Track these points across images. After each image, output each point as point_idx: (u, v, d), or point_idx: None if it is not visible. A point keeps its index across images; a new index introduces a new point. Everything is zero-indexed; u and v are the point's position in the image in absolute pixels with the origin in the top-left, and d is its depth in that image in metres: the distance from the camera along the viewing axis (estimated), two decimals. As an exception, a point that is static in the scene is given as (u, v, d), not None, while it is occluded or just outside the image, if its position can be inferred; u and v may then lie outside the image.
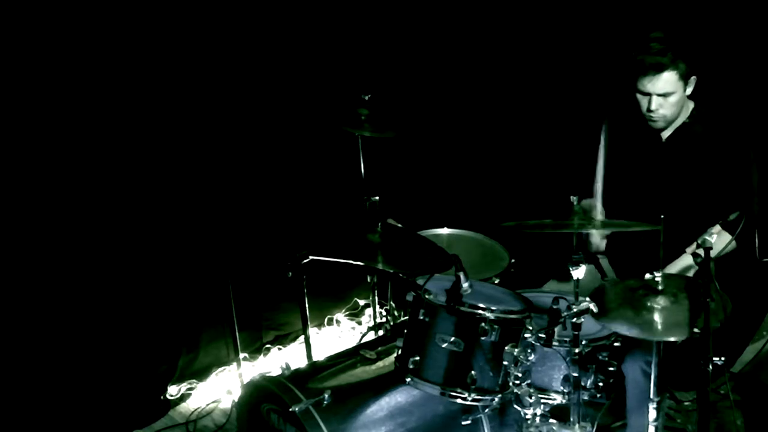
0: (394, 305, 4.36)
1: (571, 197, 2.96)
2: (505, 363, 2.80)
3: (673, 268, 3.23)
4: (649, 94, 3.22)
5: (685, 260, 3.23)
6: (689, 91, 3.27)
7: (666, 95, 3.21)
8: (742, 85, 3.86)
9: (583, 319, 2.75)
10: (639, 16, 4.04)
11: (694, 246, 3.11)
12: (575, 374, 2.80)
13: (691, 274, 3.16)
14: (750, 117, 3.57)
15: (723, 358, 2.57)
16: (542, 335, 2.74)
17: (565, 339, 2.84)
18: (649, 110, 3.24)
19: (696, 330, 2.56)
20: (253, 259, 4.21)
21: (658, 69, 3.16)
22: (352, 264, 3.14)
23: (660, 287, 2.71)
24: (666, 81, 3.17)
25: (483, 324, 2.76)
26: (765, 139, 3.40)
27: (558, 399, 2.93)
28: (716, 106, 3.39)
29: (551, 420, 2.91)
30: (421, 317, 2.85)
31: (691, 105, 3.36)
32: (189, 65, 3.86)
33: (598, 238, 3.61)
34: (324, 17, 4.26)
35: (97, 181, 3.71)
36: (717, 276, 2.68)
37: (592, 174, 3.59)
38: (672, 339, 2.64)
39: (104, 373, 3.81)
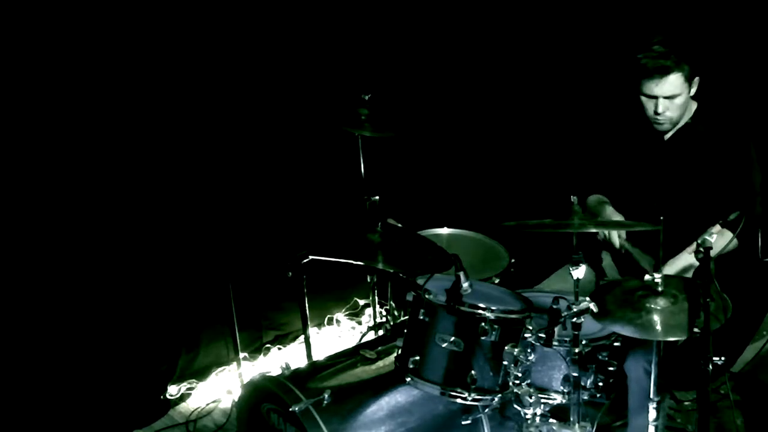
0: (394, 305, 4.35)
1: (572, 197, 2.96)
2: (505, 363, 2.80)
3: (672, 267, 3.23)
4: (655, 98, 3.21)
5: (684, 259, 3.23)
6: (693, 91, 3.27)
7: (672, 97, 3.20)
8: (745, 85, 3.86)
9: (583, 319, 2.75)
10: (641, 16, 4.04)
11: (694, 246, 3.12)
12: (575, 374, 2.80)
13: (690, 273, 3.16)
14: (753, 117, 3.57)
15: (723, 358, 2.57)
16: (542, 335, 2.74)
17: (565, 339, 2.84)
18: (656, 113, 3.23)
19: (696, 330, 2.57)
20: (253, 259, 4.21)
21: (664, 72, 3.15)
22: (352, 264, 3.14)
23: (660, 288, 2.71)
24: (672, 84, 3.17)
25: (483, 324, 2.76)
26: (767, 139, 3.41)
27: (558, 399, 2.93)
28: (719, 106, 3.38)
29: (551, 420, 2.91)
30: (421, 317, 2.85)
31: (694, 105, 3.35)
32: (189, 65, 3.86)
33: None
34: (324, 17, 4.26)
35: (98, 182, 3.71)
36: (717, 275, 2.68)
37: (592, 174, 3.59)
38: (672, 339, 2.64)
39: (104, 373, 3.81)
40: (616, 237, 3.40)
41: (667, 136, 3.39)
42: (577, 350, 2.78)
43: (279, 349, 4.46)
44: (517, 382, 2.83)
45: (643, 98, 3.25)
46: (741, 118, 3.38)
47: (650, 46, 3.18)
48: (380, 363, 3.12)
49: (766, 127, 3.56)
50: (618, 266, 3.58)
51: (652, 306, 2.69)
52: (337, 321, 4.73)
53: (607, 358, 2.97)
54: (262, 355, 4.41)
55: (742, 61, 3.87)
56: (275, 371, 3.04)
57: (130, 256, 3.86)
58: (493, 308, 2.78)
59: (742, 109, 3.61)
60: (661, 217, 2.77)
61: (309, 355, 3.52)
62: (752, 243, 3.18)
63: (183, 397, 4.09)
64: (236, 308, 4.03)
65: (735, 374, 3.80)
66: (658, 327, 2.64)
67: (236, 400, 3.47)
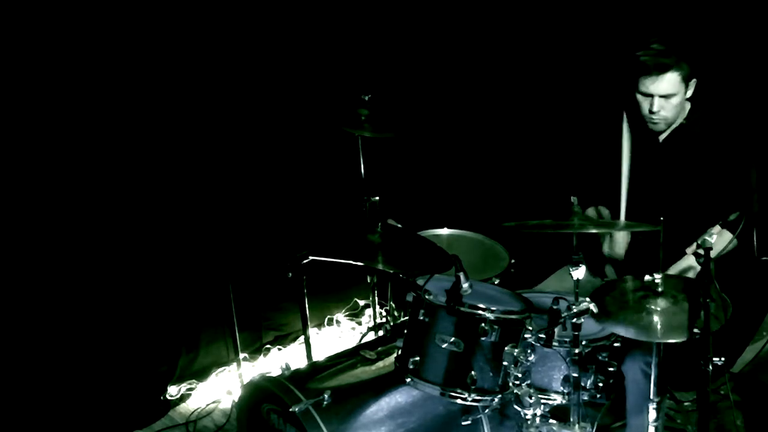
0: (394, 305, 4.36)
1: (571, 197, 2.96)
2: (505, 363, 2.80)
3: (675, 269, 3.23)
4: (650, 96, 3.21)
5: (687, 261, 3.23)
6: (689, 93, 3.27)
7: (668, 97, 3.20)
8: (739, 85, 3.86)
9: (583, 320, 2.75)
10: (641, 16, 4.04)
11: (694, 246, 3.12)
12: (575, 374, 2.80)
13: (692, 274, 3.16)
14: (747, 117, 3.57)
15: (723, 358, 2.57)
16: (542, 335, 2.73)
17: (565, 339, 2.84)
18: (650, 112, 3.23)
19: (696, 330, 2.57)
20: (253, 259, 4.21)
21: (662, 69, 3.15)
22: (352, 264, 3.14)
23: (660, 289, 2.71)
24: (669, 82, 3.17)
25: (483, 324, 2.76)
26: (763, 138, 3.41)
27: (558, 399, 2.93)
28: (713, 106, 3.38)
29: (551, 420, 2.91)
30: (421, 317, 2.85)
31: (688, 106, 3.36)
32: (189, 66, 3.86)
33: (622, 245, 3.51)
34: (324, 17, 4.26)
35: (98, 182, 3.71)
36: (717, 276, 2.68)
37: (592, 174, 3.59)
38: (671, 341, 2.64)
39: (104, 373, 3.82)
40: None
41: (662, 137, 3.39)
42: (577, 351, 2.78)
43: (279, 349, 4.46)
44: (517, 382, 2.83)
45: (639, 96, 3.24)
46: (736, 118, 3.38)
47: (651, 44, 3.19)
48: (380, 363, 3.12)
49: (761, 125, 3.56)
50: (617, 270, 3.57)
51: (653, 307, 2.69)
52: (337, 321, 4.73)
53: (606, 359, 2.97)
54: (262, 355, 4.41)
55: (736, 61, 3.86)
56: (275, 372, 3.04)
57: (131, 257, 3.86)
58: (493, 309, 2.78)
59: (737, 109, 3.61)
60: (661, 218, 2.77)
61: (309, 356, 3.51)
62: (748, 242, 3.18)
63: (183, 398, 4.09)
64: (236, 308, 4.03)
65: (735, 374, 3.80)
66: (659, 328, 2.64)
67: (236, 400, 3.47)
